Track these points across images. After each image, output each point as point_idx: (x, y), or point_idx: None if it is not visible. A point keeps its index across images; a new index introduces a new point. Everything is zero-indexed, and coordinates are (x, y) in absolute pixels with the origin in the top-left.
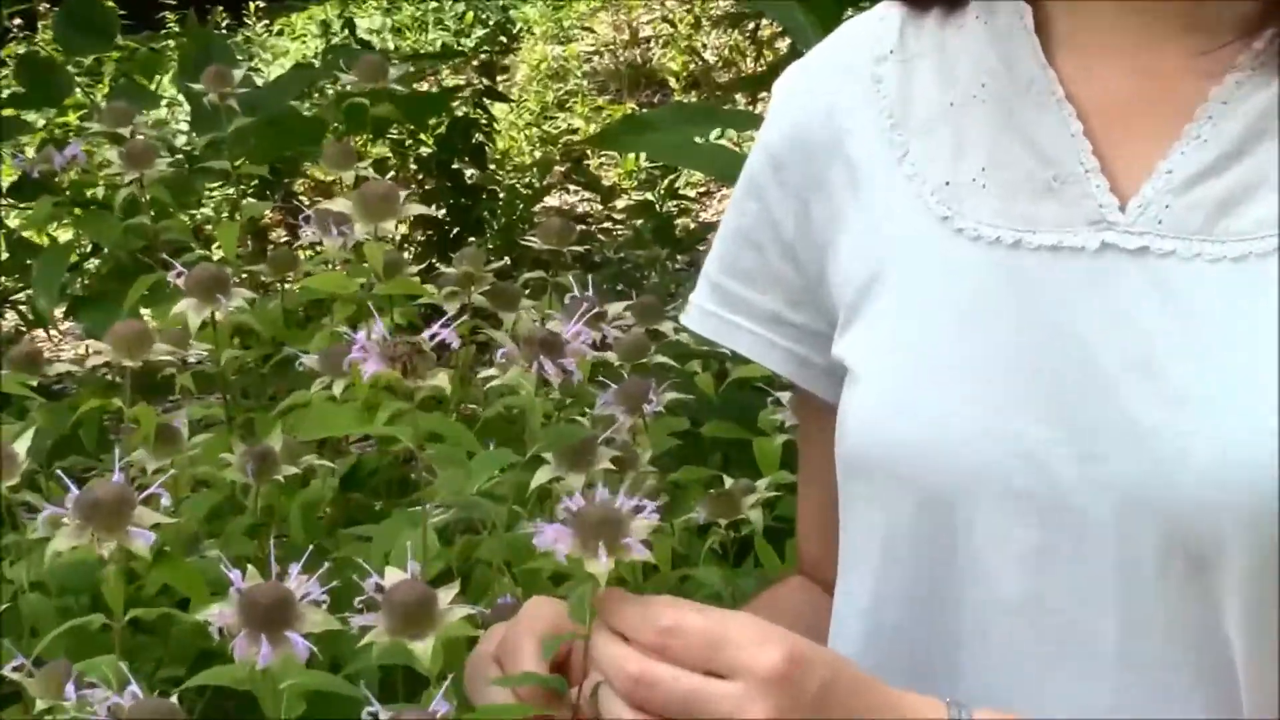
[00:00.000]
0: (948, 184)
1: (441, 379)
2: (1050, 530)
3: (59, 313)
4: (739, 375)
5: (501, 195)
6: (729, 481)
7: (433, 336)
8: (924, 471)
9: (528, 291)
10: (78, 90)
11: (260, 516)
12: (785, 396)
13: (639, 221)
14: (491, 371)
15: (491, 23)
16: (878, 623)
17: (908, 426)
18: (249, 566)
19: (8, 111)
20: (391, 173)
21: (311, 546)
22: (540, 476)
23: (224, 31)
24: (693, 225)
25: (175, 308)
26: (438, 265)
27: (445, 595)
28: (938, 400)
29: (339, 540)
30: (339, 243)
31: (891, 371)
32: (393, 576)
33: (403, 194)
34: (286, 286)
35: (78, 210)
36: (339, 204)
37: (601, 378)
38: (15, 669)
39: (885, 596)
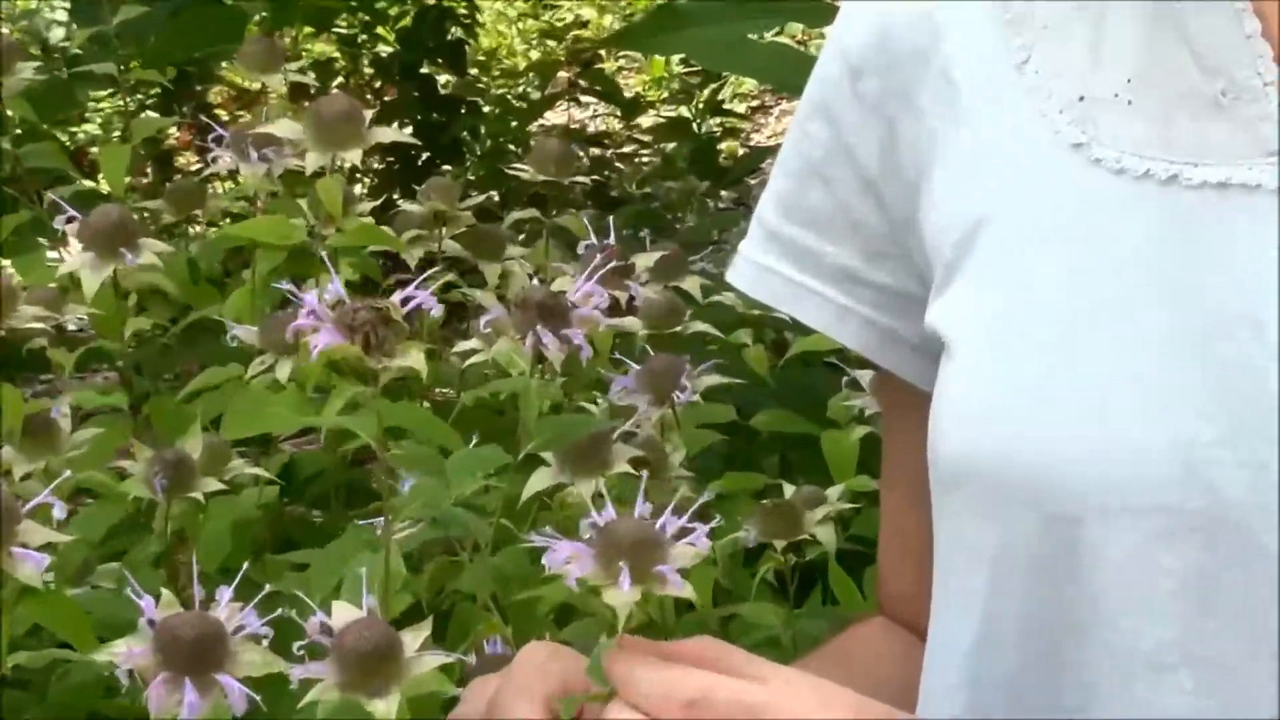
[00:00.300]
0: (1082, 99)
1: (414, 357)
2: (1211, 558)
3: None
4: (802, 349)
5: (486, 109)
6: (789, 490)
7: (404, 301)
8: (1050, 481)
9: (520, 237)
10: None
11: (171, 540)
12: (865, 375)
13: (670, 145)
14: (470, 344)
15: None
16: (982, 675)
17: (1028, 421)
18: (163, 593)
19: None
20: (339, 79)
21: (237, 572)
22: (536, 482)
23: None
24: (742, 151)
25: (68, 265)
26: (398, 202)
27: (413, 638)
28: (1069, 387)
29: (267, 567)
30: (260, 170)
31: (1004, 348)
32: (344, 614)
33: (368, 115)
34: (199, 231)
35: None
36: (283, 128)
37: (619, 354)
38: None
39: (993, 641)
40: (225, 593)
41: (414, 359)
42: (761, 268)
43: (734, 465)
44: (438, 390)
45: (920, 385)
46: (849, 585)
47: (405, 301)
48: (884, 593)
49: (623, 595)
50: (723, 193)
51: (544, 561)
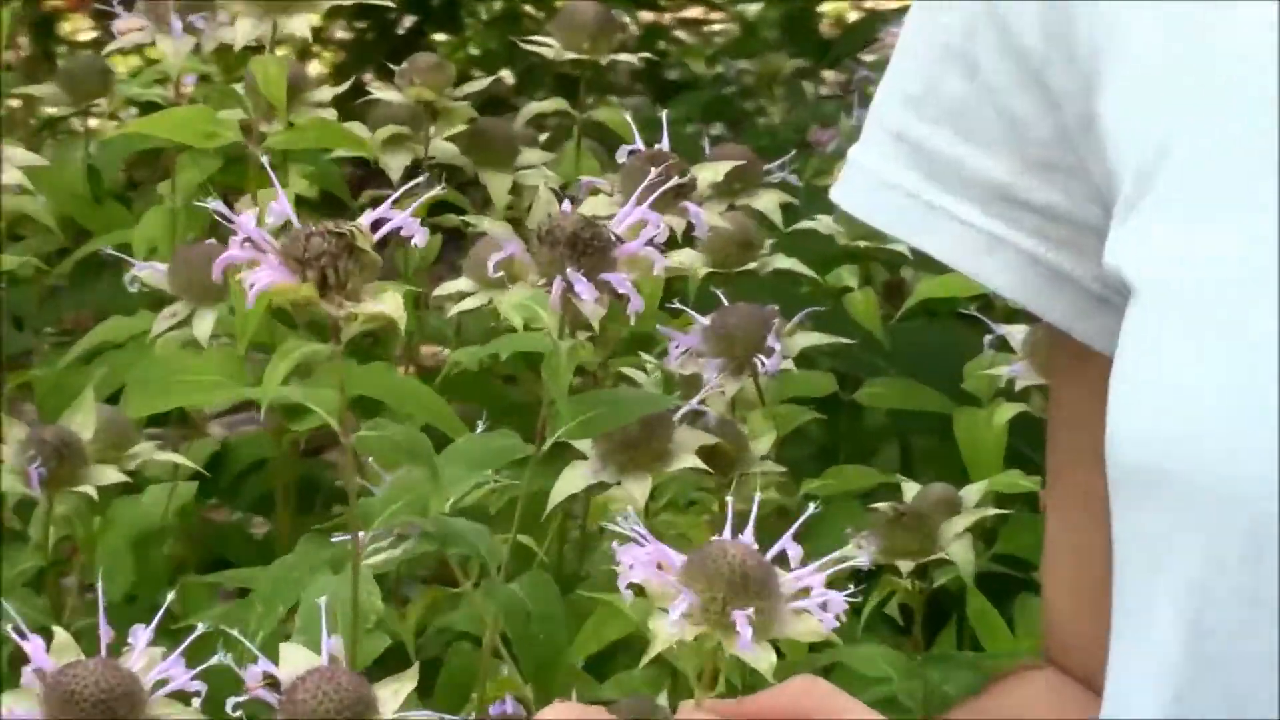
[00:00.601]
0: None
1: (389, 301)
2: None
3: None
4: (926, 295)
5: None
6: (910, 490)
7: (375, 224)
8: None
9: (541, 137)
10: None
11: (53, 553)
12: (1017, 332)
13: (751, 6)
14: (460, 284)
15: None
16: None
17: (1257, 406)
18: (56, 632)
19: None
20: None
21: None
22: (569, 483)
23: None
24: (853, 15)
25: None
26: (370, 88)
27: (391, 696)
28: None
29: (188, 593)
30: (184, 45)
31: (1229, 299)
32: (296, 661)
33: None
34: (98, 128)
35: None
36: None
37: (678, 303)
38: None
39: (1195, 692)
40: (141, 633)
41: (388, 304)
42: (880, 181)
43: (832, 457)
44: (425, 349)
45: (1096, 345)
46: (994, 620)
47: (377, 225)
48: (1052, 636)
49: (742, 649)
50: (824, 74)
51: (618, 563)
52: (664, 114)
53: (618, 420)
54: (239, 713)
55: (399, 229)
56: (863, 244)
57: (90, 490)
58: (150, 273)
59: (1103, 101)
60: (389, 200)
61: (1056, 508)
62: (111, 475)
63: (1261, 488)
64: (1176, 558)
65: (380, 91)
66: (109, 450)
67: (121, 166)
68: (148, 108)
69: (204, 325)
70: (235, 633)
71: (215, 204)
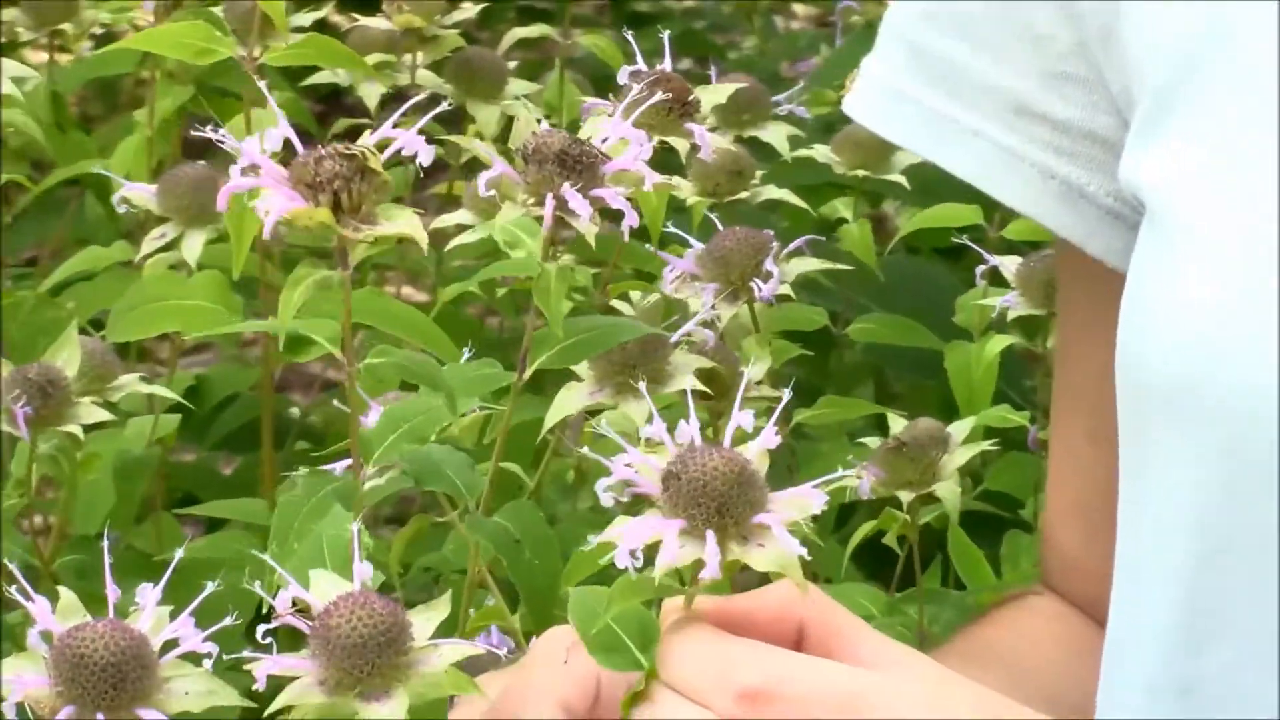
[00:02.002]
0: None
1: (406, 220)
2: None
3: None
4: (920, 225)
5: None
6: (897, 424)
7: (380, 145)
8: None
9: (510, 66)
10: None
11: (35, 494)
12: (1010, 263)
13: None
14: (460, 216)
15: None
16: (1187, 673)
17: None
18: (62, 593)
19: None
20: None
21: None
22: (565, 403)
23: None
24: None
25: None
26: (354, 12)
27: (424, 623)
28: None
29: (164, 531)
30: None
31: (1248, 225)
32: (325, 588)
33: None
34: (64, 57)
35: None
36: None
37: (674, 225)
38: None
39: (1204, 628)
40: (148, 592)
41: (405, 224)
42: (895, 93)
43: (817, 393)
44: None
45: (1110, 262)
46: (976, 558)
47: (382, 147)
48: (1051, 561)
49: (710, 561)
50: (795, 7)
51: (597, 489)
52: (665, 36)
53: (596, 348)
54: (269, 639)
55: (403, 148)
56: (860, 173)
57: (76, 430)
58: (140, 193)
59: (1126, 11)
60: (390, 120)
61: (1064, 428)
62: (97, 413)
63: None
64: (1194, 481)
65: (360, 16)
66: (93, 383)
67: (73, 100)
68: (104, 39)
69: (194, 247)
70: (266, 557)
71: (219, 132)
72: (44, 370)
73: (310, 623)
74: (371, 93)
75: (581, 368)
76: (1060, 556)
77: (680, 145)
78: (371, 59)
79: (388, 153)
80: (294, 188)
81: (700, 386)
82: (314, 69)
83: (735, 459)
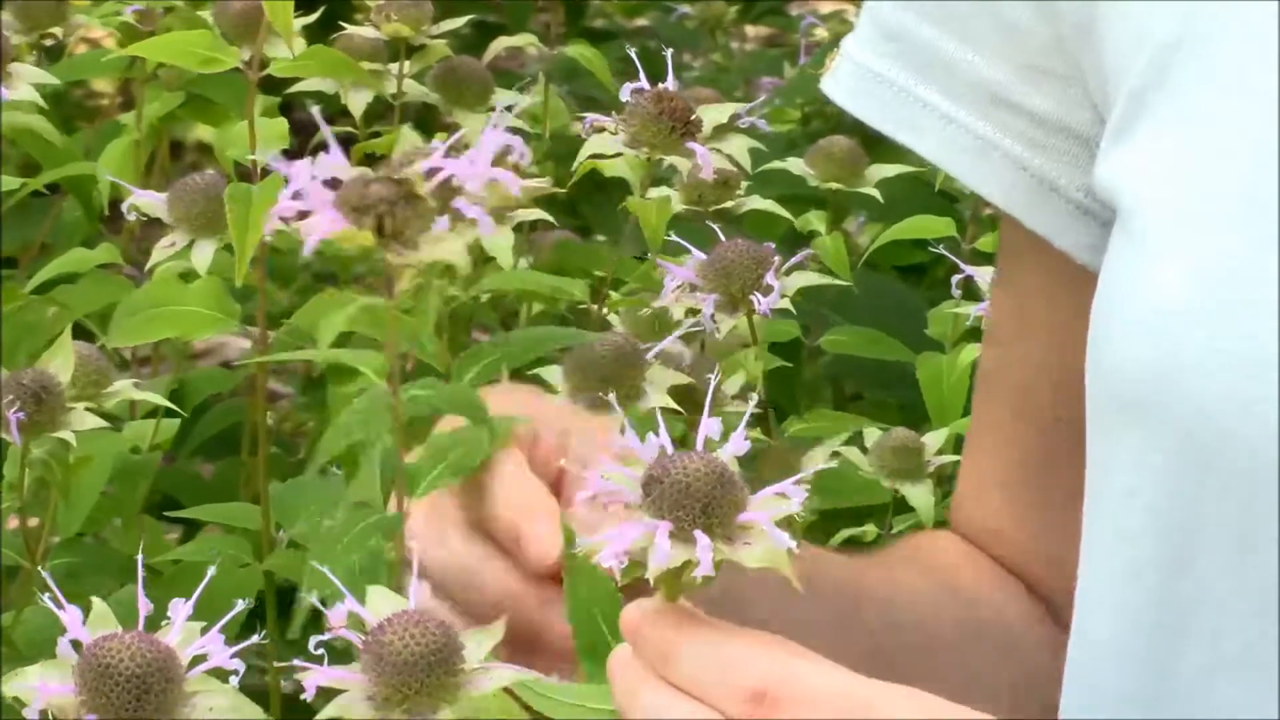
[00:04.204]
0: None
1: (451, 246)
2: None
3: None
4: (895, 235)
5: None
6: (872, 435)
7: (430, 171)
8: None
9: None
10: None
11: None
12: (984, 274)
13: None
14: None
15: None
16: (1157, 678)
17: (1257, 330)
18: (95, 602)
19: None
20: None
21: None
22: None
23: None
24: None
25: None
26: (341, 23)
27: (476, 646)
28: None
29: (150, 534)
30: None
31: (1225, 229)
32: (380, 605)
33: None
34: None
35: None
36: None
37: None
38: None
39: (1174, 629)
40: (180, 607)
41: (450, 249)
42: (872, 75)
43: (796, 398)
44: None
45: (1079, 257)
46: None
47: (432, 173)
48: (959, 520)
49: (702, 561)
50: (748, 29)
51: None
52: (633, 53)
53: (523, 358)
54: (320, 650)
55: (453, 175)
56: (835, 186)
57: (69, 436)
58: (150, 201)
59: (1103, 11)
60: (438, 150)
61: (990, 402)
62: (91, 420)
63: (1260, 429)
64: (1162, 487)
65: (354, 28)
66: (86, 389)
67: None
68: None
69: (204, 256)
70: (325, 570)
71: (271, 159)
72: (38, 376)
73: (364, 638)
74: (356, 102)
75: (558, 381)
76: (969, 523)
77: (682, 165)
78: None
79: (438, 178)
80: (341, 211)
81: (673, 404)
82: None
83: (714, 461)
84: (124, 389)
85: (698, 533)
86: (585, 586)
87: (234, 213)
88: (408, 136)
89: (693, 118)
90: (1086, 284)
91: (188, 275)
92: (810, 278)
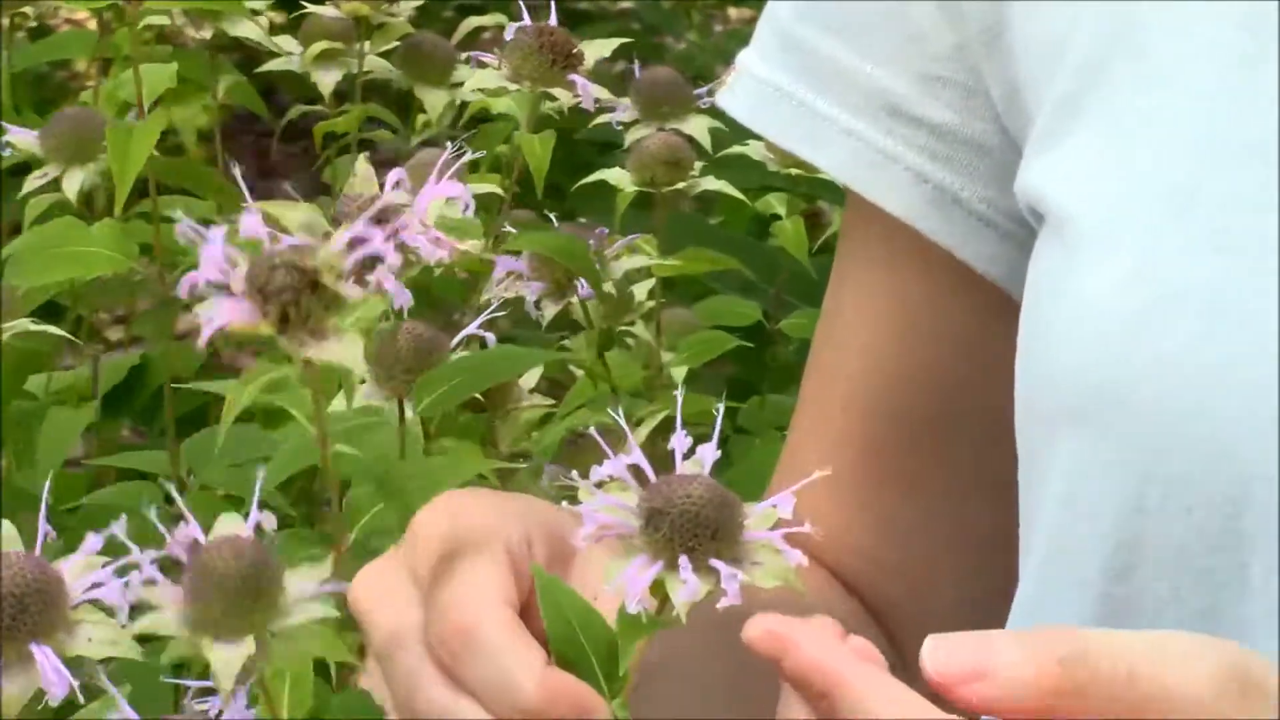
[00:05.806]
0: None
1: (348, 349)
2: None
3: None
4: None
5: None
6: None
7: (352, 243)
8: (1233, 438)
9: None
10: None
11: None
12: None
13: None
14: None
15: None
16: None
17: (1201, 339)
18: (4, 526)
19: None
20: None
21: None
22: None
23: None
24: None
25: None
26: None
27: (304, 576)
28: (1268, 304)
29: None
30: None
31: (1165, 230)
32: (224, 530)
33: None
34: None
35: None
36: None
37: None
38: None
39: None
40: (90, 540)
41: (346, 352)
42: (771, 89)
43: (745, 389)
44: None
45: (980, 268)
46: None
47: (353, 244)
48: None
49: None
50: (731, 11)
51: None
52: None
53: (481, 384)
54: (154, 566)
55: (374, 254)
56: (794, 171)
57: None
58: (22, 138)
59: (1011, 18)
60: (364, 215)
61: (815, 394)
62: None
63: (1207, 436)
64: (1102, 499)
65: (317, 7)
66: None
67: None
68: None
69: (73, 184)
70: (170, 487)
71: (185, 223)
72: None
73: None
74: (325, 80)
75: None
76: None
77: (564, 96)
78: (318, 46)
79: (359, 253)
80: (245, 294)
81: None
82: (266, 57)
83: (710, 484)
84: (21, 325)
85: (719, 563)
86: (560, 601)
87: (115, 146)
88: (361, 171)
89: (574, 50)
90: (976, 291)
91: (85, 217)
92: (638, 260)
